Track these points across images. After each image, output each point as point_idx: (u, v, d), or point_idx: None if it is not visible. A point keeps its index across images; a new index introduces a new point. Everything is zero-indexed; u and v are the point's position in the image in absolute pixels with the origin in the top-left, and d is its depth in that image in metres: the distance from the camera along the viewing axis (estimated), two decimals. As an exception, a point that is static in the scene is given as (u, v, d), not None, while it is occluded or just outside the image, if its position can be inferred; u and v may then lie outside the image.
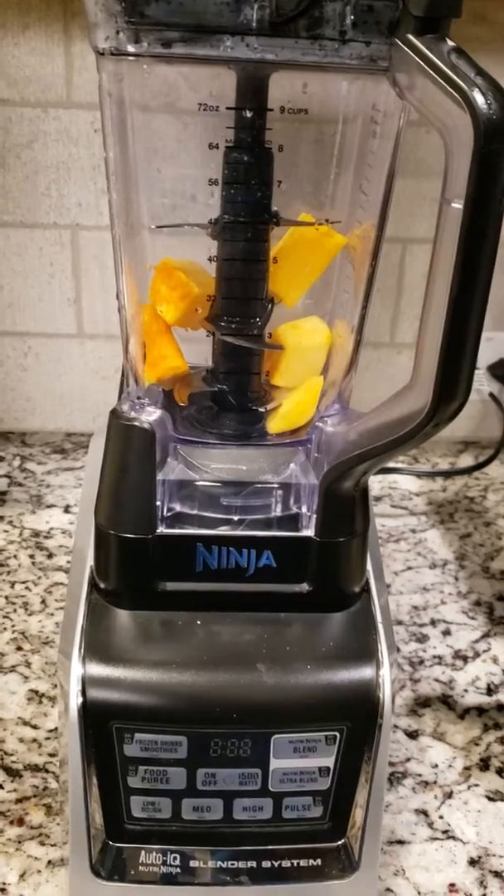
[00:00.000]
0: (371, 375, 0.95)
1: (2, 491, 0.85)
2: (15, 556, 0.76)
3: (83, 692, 0.45)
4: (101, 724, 0.45)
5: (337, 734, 0.46)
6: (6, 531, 0.79)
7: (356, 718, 0.46)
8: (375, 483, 0.90)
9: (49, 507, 0.83)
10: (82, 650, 0.46)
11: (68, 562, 0.75)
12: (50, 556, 0.76)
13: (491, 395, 0.95)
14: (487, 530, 0.84)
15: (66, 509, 0.83)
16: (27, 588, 0.72)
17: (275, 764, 0.46)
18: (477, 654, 0.68)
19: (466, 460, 0.95)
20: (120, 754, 0.45)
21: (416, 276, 0.91)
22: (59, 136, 0.83)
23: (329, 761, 0.46)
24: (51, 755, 0.57)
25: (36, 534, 0.79)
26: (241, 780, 0.46)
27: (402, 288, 0.92)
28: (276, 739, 0.46)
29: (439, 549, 0.81)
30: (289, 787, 0.47)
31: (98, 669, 0.45)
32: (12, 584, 0.72)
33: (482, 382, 0.94)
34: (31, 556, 0.76)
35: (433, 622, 0.71)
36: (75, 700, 0.45)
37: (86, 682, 0.45)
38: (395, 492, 0.90)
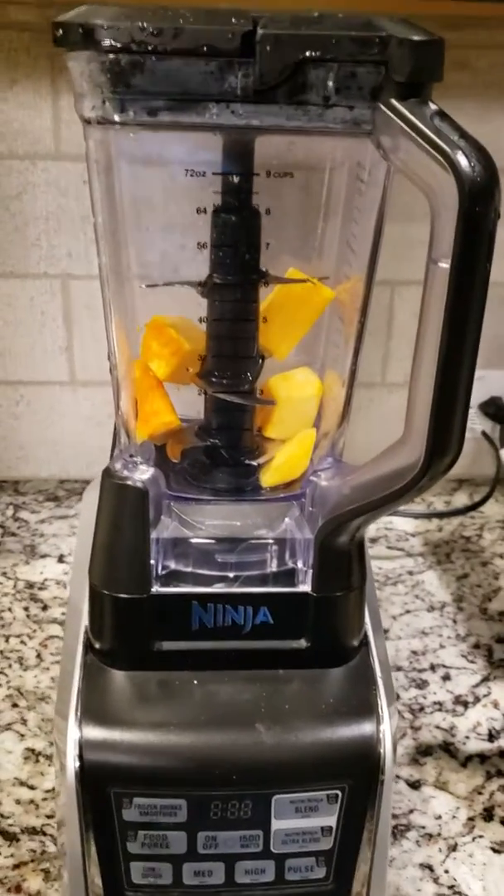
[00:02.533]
0: (363, 416, 0.95)
1: (-5, 541, 0.85)
2: (9, 609, 0.75)
3: (80, 756, 0.44)
4: (99, 790, 0.44)
5: (339, 793, 0.45)
6: (0, 583, 0.79)
7: (358, 776, 0.46)
8: (371, 525, 0.90)
9: (43, 556, 0.83)
10: (79, 713, 0.45)
11: (63, 614, 0.75)
12: (45, 608, 0.76)
13: (483, 433, 0.95)
14: (484, 570, 0.84)
15: (61, 559, 0.83)
16: (22, 642, 0.71)
17: (276, 825, 0.45)
18: (477, 699, 0.68)
19: (461, 498, 0.95)
20: (119, 819, 0.45)
21: (405, 317, 0.91)
22: (47, 187, 0.84)
23: (331, 820, 0.46)
24: (48, 816, 0.56)
25: (30, 585, 0.79)
26: (243, 842, 0.45)
27: (392, 329, 0.92)
28: (277, 800, 0.45)
29: (437, 591, 0.80)
30: (291, 848, 0.46)
31: (95, 732, 0.45)
32: (7, 639, 0.72)
33: (474, 421, 0.95)
34: (26, 609, 0.75)
35: (433, 667, 0.71)
36: (72, 764, 0.44)
37: (83, 746, 0.44)
38: (392, 532, 0.89)
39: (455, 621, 0.76)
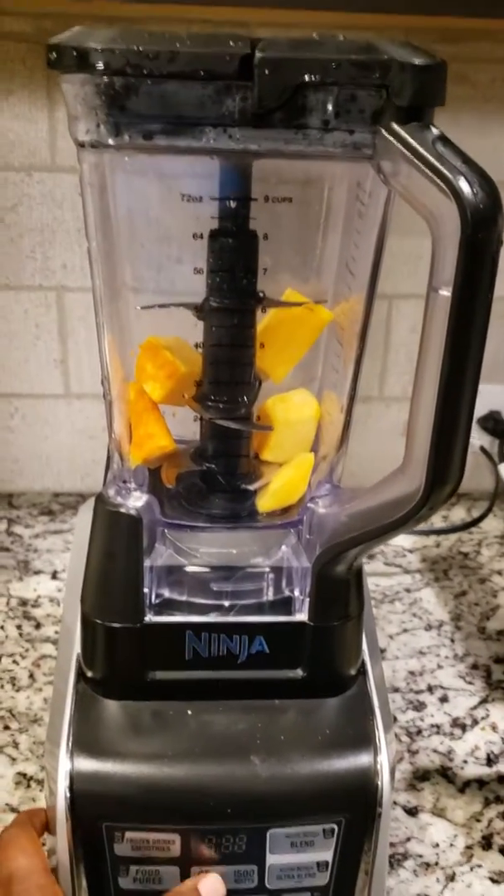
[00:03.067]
0: (360, 430, 0.94)
1: (-12, 556, 0.84)
2: (2, 628, 0.74)
3: (71, 788, 0.43)
4: (90, 823, 0.43)
5: (335, 826, 0.45)
6: (-7, 600, 0.78)
7: (355, 809, 0.45)
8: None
9: (37, 573, 0.82)
10: (70, 743, 0.44)
11: (56, 632, 0.74)
12: (38, 626, 0.75)
13: (482, 448, 0.94)
14: (482, 588, 0.83)
15: (54, 575, 0.81)
16: (14, 662, 0.70)
17: (271, 860, 0.44)
18: (475, 722, 0.67)
19: (459, 513, 0.94)
20: (110, 854, 0.44)
21: (402, 331, 0.91)
22: (43, 199, 0.83)
23: (327, 855, 0.45)
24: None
25: (23, 602, 0.78)
26: (237, 877, 0.44)
27: (390, 343, 0.91)
28: (273, 834, 0.44)
29: (434, 609, 0.80)
30: (286, 883, 0.45)
31: (87, 764, 0.44)
32: (-1, 658, 0.71)
33: (472, 436, 0.94)
34: (19, 627, 0.74)
35: (430, 688, 0.70)
36: (63, 798, 0.43)
37: (74, 778, 0.43)
38: (389, 548, 0.89)
39: (453, 641, 0.76)
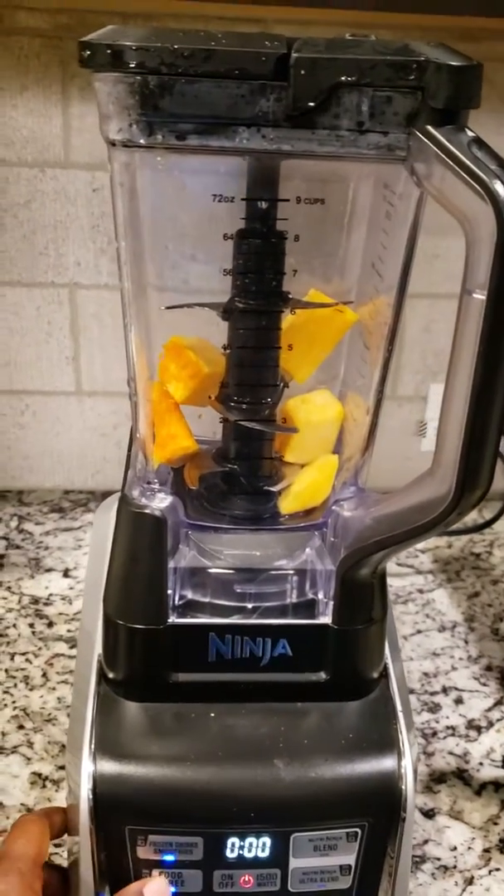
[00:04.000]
0: (372, 429, 0.94)
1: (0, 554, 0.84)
2: (14, 626, 0.74)
3: (94, 790, 0.43)
4: (113, 826, 0.43)
5: (358, 830, 0.44)
6: (4, 598, 0.77)
7: (378, 813, 0.45)
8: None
9: (48, 570, 0.81)
10: (93, 746, 0.44)
11: (69, 630, 0.73)
12: (50, 624, 0.74)
13: (494, 448, 0.94)
14: (495, 589, 0.83)
15: (66, 573, 0.81)
16: (27, 660, 0.70)
17: (294, 863, 0.44)
18: (490, 724, 0.67)
19: (470, 514, 0.94)
20: (133, 856, 0.44)
21: (415, 330, 0.90)
22: (56, 195, 0.83)
23: (350, 859, 0.45)
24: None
25: (35, 601, 0.77)
26: (260, 881, 0.44)
27: (403, 342, 0.91)
28: (296, 838, 0.44)
29: (448, 610, 0.79)
30: (309, 887, 0.45)
31: (109, 767, 0.44)
32: (12, 657, 0.70)
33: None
34: (31, 625, 0.74)
35: (445, 690, 0.70)
36: (86, 800, 0.43)
37: (97, 781, 0.43)
38: (400, 548, 0.88)
39: (467, 642, 0.75)
